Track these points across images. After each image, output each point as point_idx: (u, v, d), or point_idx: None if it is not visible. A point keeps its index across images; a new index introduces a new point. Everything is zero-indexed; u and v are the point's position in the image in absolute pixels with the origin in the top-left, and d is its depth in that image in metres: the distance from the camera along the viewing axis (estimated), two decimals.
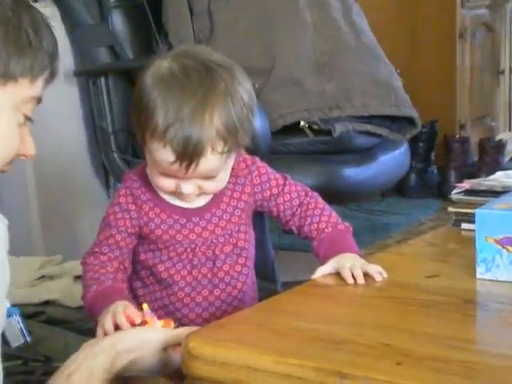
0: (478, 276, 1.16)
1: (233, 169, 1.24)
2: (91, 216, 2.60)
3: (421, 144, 3.47)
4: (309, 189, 1.32)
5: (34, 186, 2.32)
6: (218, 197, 1.25)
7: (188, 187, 1.19)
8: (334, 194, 2.10)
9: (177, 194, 1.21)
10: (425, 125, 3.21)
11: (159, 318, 1.14)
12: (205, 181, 1.19)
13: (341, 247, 1.25)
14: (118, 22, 2.38)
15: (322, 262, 1.25)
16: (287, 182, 1.30)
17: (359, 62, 2.22)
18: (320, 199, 1.32)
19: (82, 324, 2.08)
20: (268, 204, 1.30)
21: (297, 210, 1.29)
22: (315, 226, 1.28)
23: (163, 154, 1.15)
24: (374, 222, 3.09)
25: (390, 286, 1.16)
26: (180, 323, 1.20)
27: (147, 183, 1.24)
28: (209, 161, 1.15)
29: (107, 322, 1.10)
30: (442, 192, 3.42)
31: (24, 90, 0.95)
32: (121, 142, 2.31)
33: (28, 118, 0.98)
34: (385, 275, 1.18)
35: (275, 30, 2.18)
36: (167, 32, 2.30)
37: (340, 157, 2.16)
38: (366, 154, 2.21)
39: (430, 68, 3.56)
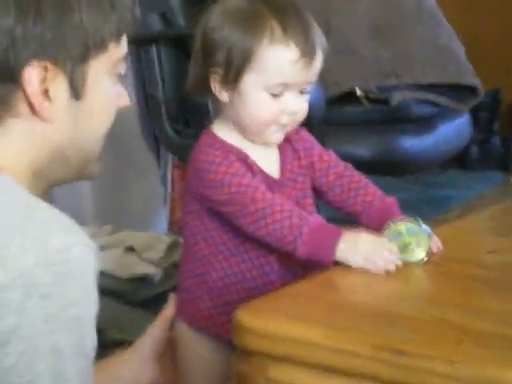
0: None
1: (286, 136, 1.27)
2: (142, 186, 2.63)
3: (483, 113, 3.41)
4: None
5: None
6: (283, 165, 1.28)
7: (297, 100, 1.22)
8: (391, 166, 2.09)
9: (271, 128, 1.23)
10: (487, 93, 3.14)
11: None
12: (301, 95, 1.23)
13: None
14: None
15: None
16: (328, 152, 1.31)
17: (418, 27, 2.19)
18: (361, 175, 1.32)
19: (133, 296, 2.11)
20: (314, 173, 1.30)
21: (337, 181, 1.30)
22: (361, 198, 1.28)
23: (287, 54, 1.19)
24: (432, 195, 3.05)
25: (449, 262, 1.14)
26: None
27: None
28: (318, 57, 1.21)
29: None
30: (505, 164, 3.36)
31: (113, 53, 0.95)
32: (172, 111, 2.31)
33: (120, 75, 0.99)
34: (440, 246, 1.17)
35: None
36: None
37: (397, 126, 2.14)
38: (424, 124, 2.18)
39: (492, 34, 3.48)
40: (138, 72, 2.37)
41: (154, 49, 2.30)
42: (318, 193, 1.32)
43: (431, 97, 2.16)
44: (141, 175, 2.61)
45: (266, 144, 1.27)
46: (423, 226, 1.18)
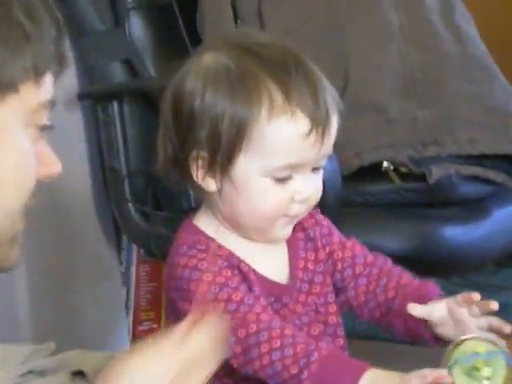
0: None
1: (298, 222, 1.28)
2: (97, 289, 2.61)
3: None
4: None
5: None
6: (293, 261, 1.29)
7: (309, 183, 1.23)
8: (431, 262, 2.08)
9: (278, 222, 1.24)
10: None
11: None
12: (313, 174, 1.24)
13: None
14: (136, 27, 2.43)
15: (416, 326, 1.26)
16: (350, 239, 1.34)
17: (465, 80, 2.21)
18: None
19: None
20: (335, 264, 1.33)
21: (364, 271, 1.31)
22: (393, 284, 1.30)
23: (294, 127, 1.19)
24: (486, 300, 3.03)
25: None
26: None
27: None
28: (334, 124, 1.23)
29: None
30: None
31: (30, 97, 0.96)
32: (137, 189, 2.32)
33: (44, 127, 0.99)
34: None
35: (348, 38, 2.20)
36: (202, 40, 2.32)
37: (439, 211, 2.14)
38: (474, 208, 2.19)
39: None
40: (94, 137, 2.39)
41: (115, 106, 2.33)
42: (339, 289, 1.33)
43: (482, 172, 2.16)
44: (95, 274, 2.59)
45: (272, 242, 1.27)
46: (503, 350, 1.18)
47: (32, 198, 0.99)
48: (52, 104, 0.99)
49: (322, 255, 1.30)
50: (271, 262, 1.27)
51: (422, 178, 2.11)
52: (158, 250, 2.33)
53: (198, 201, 2.15)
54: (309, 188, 1.23)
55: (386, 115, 2.14)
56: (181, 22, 2.46)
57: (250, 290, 1.22)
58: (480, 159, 2.17)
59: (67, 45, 1.00)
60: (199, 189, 1.25)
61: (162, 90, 1.99)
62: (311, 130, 1.19)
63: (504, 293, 3.15)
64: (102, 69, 2.38)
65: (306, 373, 1.14)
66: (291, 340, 1.16)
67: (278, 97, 1.19)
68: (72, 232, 2.47)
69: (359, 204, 2.10)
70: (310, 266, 1.30)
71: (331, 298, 1.31)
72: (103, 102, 2.34)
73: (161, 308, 2.78)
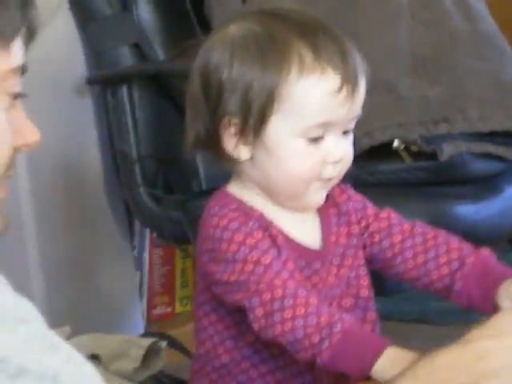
0: None
1: (329, 196, 1.29)
2: (109, 274, 2.62)
3: None
4: None
5: (34, 232, 2.34)
6: (326, 232, 1.29)
7: (341, 144, 1.24)
8: None
9: (313, 186, 1.24)
10: None
11: None
12: (344, 137, 1.25)
13: (502, 275, 1.25)
14: (144, 11, 2.42)
15: (480, 304, 1.25)
16: (384, 208, 1.34)
17: (475, 58, 2.21)
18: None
19: None
20: (362, 238, 1.32)
21: (406, 242, 1.30)
22: (445, 258, 1.28)
23: (324, 85, 1.20)
24: None
25: None
26: None
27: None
28: (362, 83, 1.23)
29: None
30: None
31: None
32: (148, 173, 2.33)
33: (17, 95, 0.98)
34: None
35: (359, 17, 2.20)
36: (211, 23, 2.33)
37: (450, 189, 2.15)
38: (486, 186, 2.19)
39: None
40: (104, 121, 2.39)
41: (124, 90, 2.33)
42: (381, 264, 1.32)
43: (494, 149, 2.16)
44: (108, 258, 2.60)
45: (304, 209, 1.27)
46: None
47: (9, 168, 0.98)
48: (23, 70, 0.98)
49: (355, 229, 1.31)
50: (303, 229, 1.27)
51: (433, 156, 2.11)
52: (170, 234, 2.34)
53: (208, 183, 2.16)
54: (340, 149, 1.24)
55: (396, 93, 2.14)
56: (189, 4, 2.46)
57: (279, 253, 1.22)
58: (491, 136, 2.17)
59: (36, 11, 0.98)
60: (231, 161, 1.25)
61: (170, 73, 2.00)
62: (341, 87, 1.20)
63: None
64: (110, 53, 2.38)
65: (326, 343, 1.14)
66: (315, 309, 1.16)
67: (308, 55, 1.20)
68: (84, 218, 2.48)
69: (370, 183, 2.10)
70: (342, 240, 1.30)
71: (363, 271, 1.31)
72: (112, 86, 2.34)
73: (175, 292, 2.79)
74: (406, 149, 2.12)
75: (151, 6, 2.43)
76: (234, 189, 1.27)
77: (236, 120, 1.22)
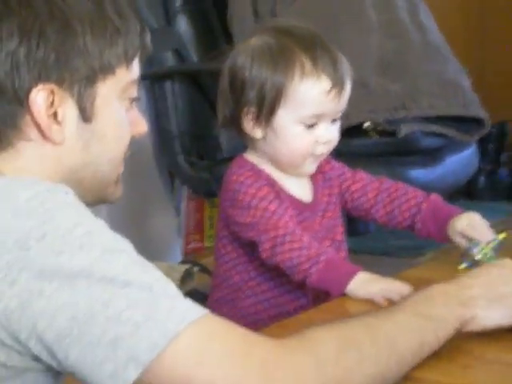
0: None
1: (318, 166, 1.28)
2: (157, 219, 2.63)
3: (490, 145, 3.40)
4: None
5: None
6: (315, 192, 1.29)
7: (330, 130, 1.23)
8: None
9: (308, 160, 1.24)
10: (494, 125, 3.15)
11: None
12: (333, 124, 1.24)
13: (448, 213, 1.26)
14: (183, 25, 2.41)
15: (437, 236, 1.27)
16: (358, 171, 1.34)
17: (425, 61, 2.19)
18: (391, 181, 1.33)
19: None
20: (344, 196, 1.32)
21: (377, 197, 1.30)
22: (405, 206, 1.29)
23: (319, 86, 1.20)
24: None
25: None
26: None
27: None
28: (348, 85, 1.23)
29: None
30: None
31: (123, 77, 0.93)
32: (185, 145, 2.33)
33: (134, 99, 0.97)
34: None
35: (341, 31, 2.17)
36: (232, 35, 2.32)
37: (405, 158, 2.14)
38: (432, 156, 2.18)
39: (499, 67, 3.48)
40: (153, 107, 2.39)
41: (168, 84, 2.32)
42: (361, 213, 1.33)
43: (438, 129, 2.15)
44: (156, 208, 2.62)
45: (300, 175, 1.28)
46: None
47: (128, 149, 0.98)
48: (138, 82, 0.97)
49: (334, 190, 1.31)
50: (299, 188, 1.28)
51: (394, 134, 2.11)
52: (201, 190, 2.35)
53: (228, 152, 2.17)
54: (329, 133, 1.24)
55: (367, 88, 2.13)
56: (216, 21, 2.46)
57: (281, 203, 1.22)
58: (437, 119, 2.16)
59: (148, 37, 0.97)
60: (249, 138, 1.26)
61: (203, 71, 2.00)
62: (332, 88, 1.20)
63: None
64: (157, 56, 2.38)
65: (314, 268, 1.16)
66: (307, 244, 1.17)
67: (308, 64, 1.20)
68: (139, 179, 2.48)
69: (348, 154, 2.10)
70: (326, 198, 1.30)
71: (339, 222, 1.31)
72: (159, 81, 2.34)
73: (204, 231, 2.80)
74: (374, 129, 2.12)
75: (187, 22, 2.42)
76: (249, 157, 1.27)
77: (253, 109, 1.22)
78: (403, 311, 0.90)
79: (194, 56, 2.40)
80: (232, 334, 0.81)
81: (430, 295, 0.93)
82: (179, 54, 2.37)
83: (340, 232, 1.31)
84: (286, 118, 1.22)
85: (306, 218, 1.27)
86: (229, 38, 2.34)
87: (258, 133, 1.24)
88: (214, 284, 1.32)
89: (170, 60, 2.37)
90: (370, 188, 1.31)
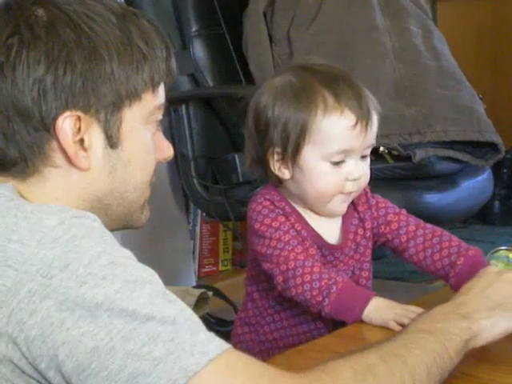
0: None
1: (354, 203, 1.26)
2: (171, 242, 2.63)
3: (504, 170, 3.39)
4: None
5: None
6: (344, 233, 1.26)
7: (359, 166, 1.21)
8: None
9: (336, 198, 1.21)
10: (509, 150, 3.14)
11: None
12: (363, 161, 1.22)
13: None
14: (198, 50, 2.41)
15: None
16: (397, 212, 1.29)
17: (440, 87, 2.19)
18: (435, 227, 1.28)
19: None
20: (385, 237, 1.28)
21: (410, 242, 1.26)
22: (437, 256, 1.24)
23: (343, 121, 1.17)
24: None
25: None
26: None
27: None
28: (374, 119, 1.20)
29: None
30: None
31: (149, 103, 0.93)
32: (200, 168, 2.33)
33: (159, 121, 0.97)
34: None
35: (355, 56, 2.18)
36: (247, 59, 2.33)
37: (420, 183, 2.13)
38: (447, 180, 2.17)
39: None
40: (168, 130, 2.40)
41: (183, 108, 2.33)
42: (396, 253, 1.29)
43: (453, 154, 2.15)
44: (170, 231, 2.61)
45: (330, 215, 1.24)
46: None
47: (154, 175, 0.98)
48: (164, 106, 0.97)
49: (368, 233, 1.27)
50: (327, 226, 1.24)
51: (409, 158, 2.10)
52: (215, 213, 2.34)
53: (244, 176, 2.17)
54: (358, 170, 1.20)
55: (382, 113, 2.12)
56: (231, 46, 2.47)
57: (302, 240, 1.20)
58: (451, 144, 2.15)
59: (173, 62, 0.97)
60: (277, 178, 1.23)
61: (218, 96, 1.99)
62: (356, 123, 1.17)
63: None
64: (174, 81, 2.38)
65: (327, 301, 1.14)
66: (318, 276, 1.15)
67: (330, 99, 1.17)
68: (154, 201, 2.48)
69: None
70: (358, 238, 1.26)
71: (366, 266, 1.27)
72: (175, 105, 2.34)
73: (218, 255, 2.80)
74: (389, 153, 2.11)
75: (204, 46, 2.43)
76: (276, 191, 1.25)
77: (278, 149, 1.20)
78: (405, 331, 0.94)
79: (208, 80, 2.40)
80: (253, 370, 0.81)
81: (428, 315, 0.97)
82: (194, 79, 2.38)
83: (364, 276, 1.27)
84: (311, 155, 1.19)
85: (330, 260, 1.24)
86: (244, 63, 2.34)
87: (285, 173, 1.21)
88: (244, 301, 1.31)
89: (185, 84, 2.38)
90: (403, 232, 1.27)
